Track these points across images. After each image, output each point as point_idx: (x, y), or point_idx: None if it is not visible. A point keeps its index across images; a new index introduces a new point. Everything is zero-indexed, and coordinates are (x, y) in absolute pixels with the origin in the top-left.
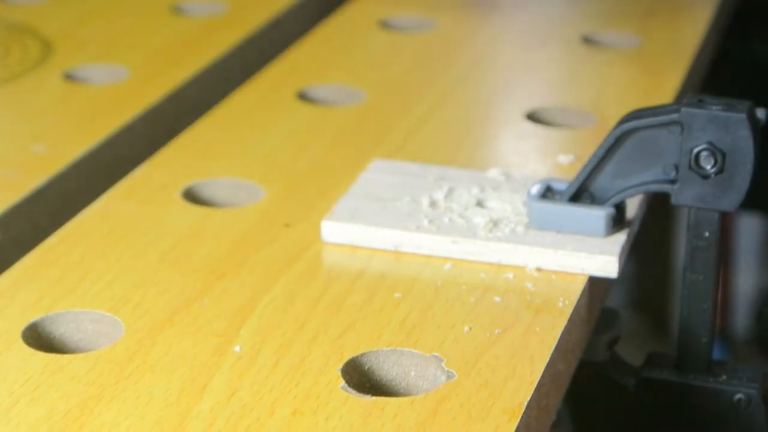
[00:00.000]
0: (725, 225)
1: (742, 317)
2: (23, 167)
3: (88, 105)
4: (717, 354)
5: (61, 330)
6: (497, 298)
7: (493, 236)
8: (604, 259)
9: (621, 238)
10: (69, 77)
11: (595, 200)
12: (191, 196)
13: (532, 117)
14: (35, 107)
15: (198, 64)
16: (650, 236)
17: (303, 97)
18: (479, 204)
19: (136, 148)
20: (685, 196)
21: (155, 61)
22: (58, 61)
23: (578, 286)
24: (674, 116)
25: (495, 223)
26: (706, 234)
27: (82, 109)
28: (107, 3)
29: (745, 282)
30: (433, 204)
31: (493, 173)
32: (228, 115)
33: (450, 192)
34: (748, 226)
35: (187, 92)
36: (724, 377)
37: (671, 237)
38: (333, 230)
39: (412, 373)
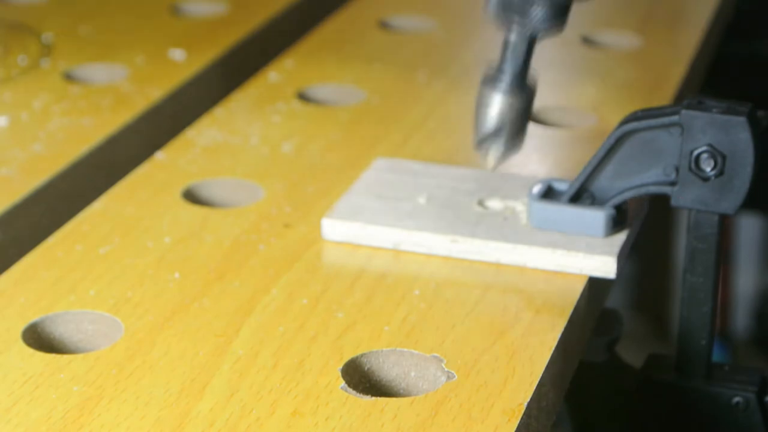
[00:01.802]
0: (725, 225)
1: (742, 317)
2: (23, 167)
3: (88, 105)
4: (716, 354)
5: (60, 330)
6: (497, 298)
7: (493, 235)
8: (603, 259)
9: (620, 238)
10: (69, 77)
11: (595, 201)
12: (191, 196)
13: (532, 117)
14: (35, 107)
15: (197, 64)
16: (651, 236)
17: (303, 97)
18: (480, 203)
19: (136, 147)
20: (685, 197)
21: (155, 60)
22: (58, 60)
23: (578, 287)
24: (675, 118)
25: (496, 223)
26: (706, 236)
27: (82, 109)
28: (107, 3)
29: (745, 282)
30: (434, 203)
31: (494, 174)
32: (228, 115)
33: (451, 191)
34: (748, 226)
35: (187, 92)
36: (723, 380)
37: (672, 237)
38: (333, 228)
39: (412, 374)
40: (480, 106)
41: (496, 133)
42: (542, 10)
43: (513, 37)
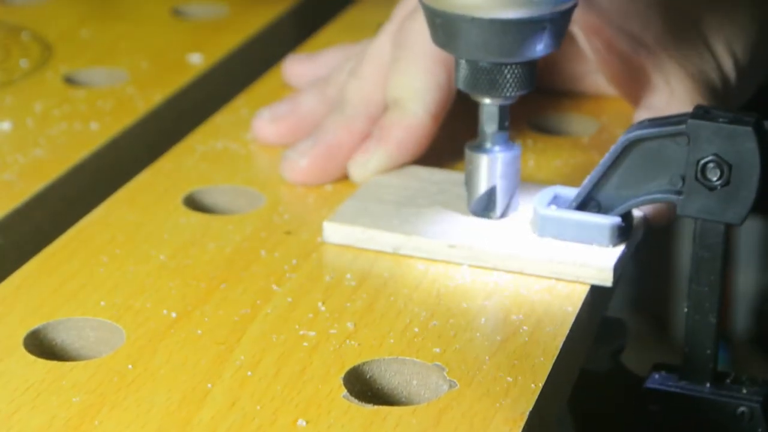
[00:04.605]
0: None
1: (742, 317)
2: (24, 171)
3: (89, 108)
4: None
5: (62, 337)
6: (499, 307)
7: (491, 241)
8: (599, 267)
9: (620, 247)
10: (69, 80)
11: (601, 209)
12: (192, 203)
13: (534, 124)
14: (35, 110)
15: (199, 68)
16: (652, 240)
17: None
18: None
19: (137, 152)
20: (691, 207)
21: (156, 64)
22: (59, 64)
23: (580, 295)
24: (681, 127)
25: (496, 229)
26: (712, 246)
27: (83, 113)
28: (107, 5)
29: (745, 282)
30: (435, 208)
31: None
32: (229, 121)
33: (454, 196)
34: (748, 227)
35: (188, 96)
36: (728, 390)
37: (673, 240)
38: (333, 231)
39: (414, 382)
40: (467, 170)
41: (489, 192)
42: (509, 87)
43: (486, 102)
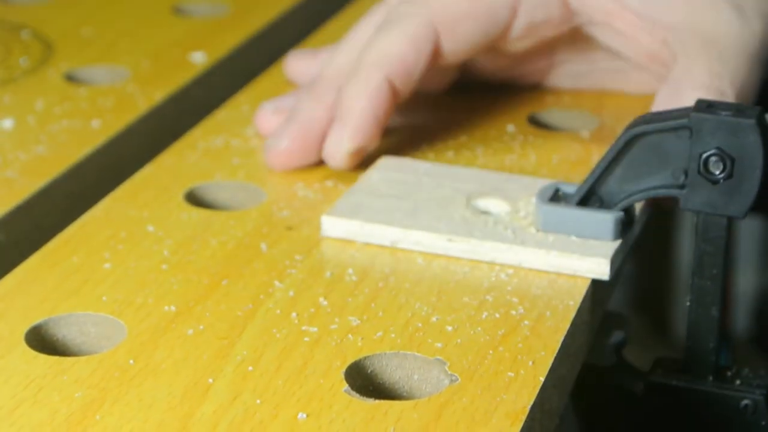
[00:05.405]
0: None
1: (742, 317)
2: (25, 168)
3: (90, 106)
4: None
5: (63, 332)
6: (500, 301)
7: (489, 235)
8: (596, 260)
9: (616, 241)
10: (70, 78)
11: (603, 204)
12: (194, 199)
13: (534, 120)
14: (37, 108)
15: (200, 66)
16: (652, 236)
17: None
18: (480, 203)
19: (138, 149)
20: (694, 201)
21: (157, 62)
22: (60, 62)
23: (581, 289)
24: (683, 121)
25: (494, 223)
26: (715, 239)
27: (84, 111)
28: (108, 4)
29: (745, 282)
30: (434, 202)
31: (496, 175)
32: (231, 117)
33: (453, 191)
34: (748, 227)
35: (189, 94)
36: (731, 383)
37: (673, 237)
38: (332, 225)
39: (415, 377)
40: None
41: None
42: None
43: None
